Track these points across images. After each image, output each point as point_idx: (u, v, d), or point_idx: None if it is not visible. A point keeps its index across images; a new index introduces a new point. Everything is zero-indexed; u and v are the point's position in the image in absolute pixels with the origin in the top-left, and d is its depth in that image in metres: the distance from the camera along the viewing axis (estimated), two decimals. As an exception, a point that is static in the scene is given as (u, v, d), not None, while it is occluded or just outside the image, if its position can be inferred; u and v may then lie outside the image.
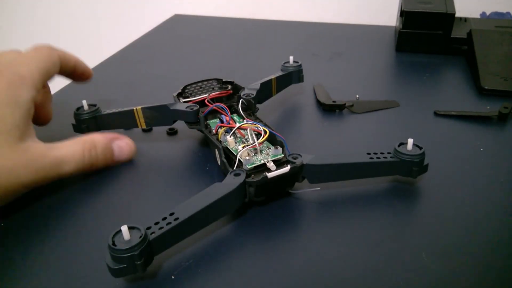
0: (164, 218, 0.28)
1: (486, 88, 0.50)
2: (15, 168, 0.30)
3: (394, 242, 0.30)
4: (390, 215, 0.33)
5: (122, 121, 0.41)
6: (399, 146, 0.34)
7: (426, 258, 0.29)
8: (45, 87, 0.40)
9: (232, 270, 0.28)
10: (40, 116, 0.39)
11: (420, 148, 0.34)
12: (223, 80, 0.44)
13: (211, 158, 0.39)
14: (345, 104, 0.47)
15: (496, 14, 0.73)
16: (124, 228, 0.26)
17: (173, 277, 0.28)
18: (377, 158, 0.34)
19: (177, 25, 0.80)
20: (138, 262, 0.25)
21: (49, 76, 0.37)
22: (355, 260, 0.29)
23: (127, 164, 0.39)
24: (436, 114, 0.46)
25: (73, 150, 0.34)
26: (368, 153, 0.34)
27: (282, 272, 0.28)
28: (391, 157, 0.34)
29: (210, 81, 0.44)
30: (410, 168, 0.34)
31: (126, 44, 0.70)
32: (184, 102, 0.41)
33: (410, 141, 0.34)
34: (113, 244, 0.25)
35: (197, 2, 0.91)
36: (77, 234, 0.31)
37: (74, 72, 0.41)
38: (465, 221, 0.32)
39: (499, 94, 0.49)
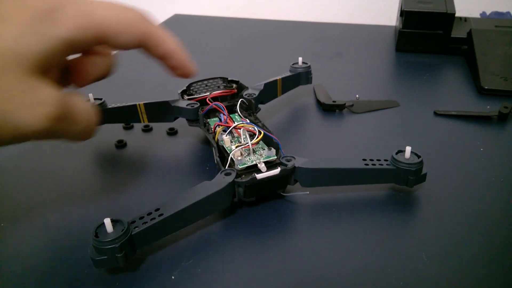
0: (149, 213, 0.28)
1: (486, 88, 0.50)
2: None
3: (394, 242, 0.30)
4: (389, 215, 0.33)
5: (125, 115, 0.42)
6: (397, 153, 0.33)
7: (426, 258, 0.29)
8: (97, 53, 0.30)
9: (232, 270, 0.28)
10: (73, 74, 0.30)
11: (419, 156, 0.33)
12: (228, 79, 0.44)
13: (211, 158, 0.39)
14: (345, 104, 0.47)
15: (496, 14, 0.73)
16: (107, 221, 0.26)
17: (173, 277, 0.28)
18: (373, 164, 0.33)
19: (177, 25, 0.80)
20: (119, 255, 0.26)
21: (104, 38, 0.27)
22: (354, 260, 0.29)
23: (128, 163, 0.39)
24: (436, 114, 0.46)
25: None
26: (364, 159, 0.33)
27: (280, 272, 0.28)
28: (387, 164, 0.33)
29: (216, 80, 0.44)
30: (406, 176, 0.33)
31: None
32: (189, 99, 0.41)
33: (408, 149, 0.33)
34: (96, 235, 0.26)
35: (197, 2, 0.91)
36: (77, 226, 0.32)
37: (163, 60, 0.30)
38: (465, 221, 0.32)
39: (499, 94, 0.49)
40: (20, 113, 0.23)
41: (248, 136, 0.34)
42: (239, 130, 0.36)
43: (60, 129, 0.25)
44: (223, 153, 0.34)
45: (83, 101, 0.27)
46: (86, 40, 0.25)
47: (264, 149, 0.34)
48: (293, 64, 0.48)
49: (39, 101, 0.23)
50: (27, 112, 0.23)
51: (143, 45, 0.29)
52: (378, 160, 0.34)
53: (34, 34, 0.23)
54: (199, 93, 0.43)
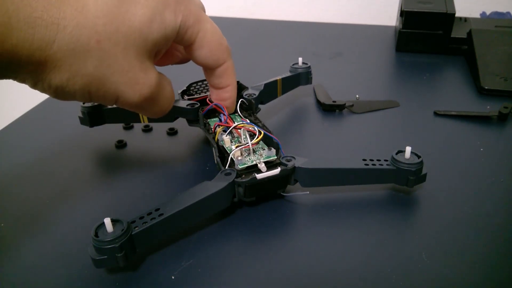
0: (149, 213, 0.28)
1: (486, 88, 0.50)
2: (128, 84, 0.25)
3: (394, 242, 0.30)
4: (389, 215, 0.33)
5: (126, 115, 0.42)
6: (397, 153, 0.33)
7: (426, 258, 0.29)
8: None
9: (232, 270, 0.28)
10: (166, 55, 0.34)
11: (419, 156, 0.33)
12: None
13: (211, 158, 0.39)
14: (345, 104, 0.47)
15: (496, 14, 0.73)
16: (107, 221, 0.26)
17: (173, 277, 0.28)
18: (373, 165, 0.33)
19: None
20: (119, 255, 0.26)
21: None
22: (354, 260, 0.29)
23: (128, 163, 0.39)
24: (436, 114, 0.46)
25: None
26: (364, 159, 0.33)
27: (280, 272, 0.28)
28: (387, 164, 0.33)
29: None
30: (406, 177, 0.33)
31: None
32: (189, 99, 0.41)
33: (408, 149, 0.33)
34: (96, 235, 0.26)
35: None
36: (77, 226, 0.32)
37: (218, 89, 0.35)
38: (465, 221, 0.32)
39: (499, 94, 0.49)
40: (124, 87, 0.25)
41: (248, 136, 0.34)
42: (239, 130, 0.36)
43: (144, 105, 0.27)
44: (223, 153, 0.34)
45: (170, 86, 0.30)
46: (181, 36, 0.28)
47: (264, 149, 0.34)
48: (293, 65, 0.48)
49: (143, 81, 0.26)
50: (131, 88, 0.26)
51: (214, 69, 0.32)
52: (378, 160, 0.34)
53: (160, 20, 0.25)
54: (199, 93, 0.43)
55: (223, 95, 0.35)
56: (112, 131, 0.44)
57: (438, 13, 0.59)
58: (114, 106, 0.40)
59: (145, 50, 0.25)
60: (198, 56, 0.31)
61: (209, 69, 0.33)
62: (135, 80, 0.25)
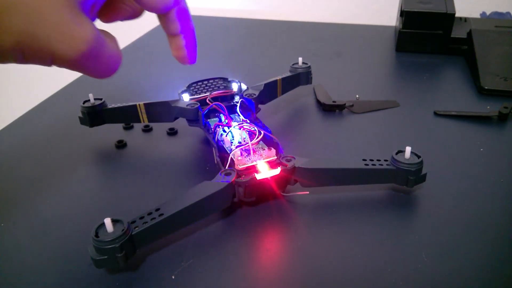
0: (149, 213, 0.28)
1: (486, 88, 0.50)
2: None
3: (394, 242, 0.30)
4: (389, 215, 0.33)
5: (125, 116, 0.42)
6: (397, 153, 0.33)
7: (426, 258, 0.29)
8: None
9: (232, 270, 0.28)
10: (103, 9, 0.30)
11: (419, 156, 0.33)
12: (229, 79, 0.44)
13: (211, 158, 0.39)
14: (345, 104, 0.47)
15: (496, 14, 0.73)
16: (107, 221, 0.26)
17: (173, 277, 0.28)
18: (373, 165, 0.33)
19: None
20: (119, 255, 0.26)
21: None
22: (354, 260, 0.29)
23: (128, 163, 0.39)
24: (436, 114, 0.46)
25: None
26: (364, 159, 0.33)
27: (280, 272, 0.28)
28: (387, 164, 0.33)
29: (216, 80, 0.44)
30: (406, 177, 0.33)
31: (126, 44, 0.70)
32: (191, 99, 0.41)
33: (408, 149, 0.33)
34: (96, 235, 0.26)
35: (197, 2, 0.91)
36: (77, 226, 0.32)
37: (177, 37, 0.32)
38: (465, 221, 0.32)
39: (499, 94, 0.49)
40: (58, 43, 0.23)
41: (248, 136, 0.34)
42: (239, 130, 0.36)
43: (85, 63, 0.25)
44: (223, 153, 0.34)
45: (115, 43, 0.27)
46: None
47: (264, 149, 0.34)
48: (293, 64, 0.48)
49: (78, 36, 0.24)
50: (65, 44, 0.24)
51: (167, 14, 0.30)
52: (378, 160, 0.34)
53: None
54: (199, 93, 0.43)
55: (181, 43, 0.33)
56: (112, 131, 0.44)
57: (438, 13, 0.59)
58: (114, 106, 0.41)
59: (76, 1, 0.24)
60: (146, 1, 0.28)
61: (162, 15, 0.31)
62: (69, 35, 0.24)
